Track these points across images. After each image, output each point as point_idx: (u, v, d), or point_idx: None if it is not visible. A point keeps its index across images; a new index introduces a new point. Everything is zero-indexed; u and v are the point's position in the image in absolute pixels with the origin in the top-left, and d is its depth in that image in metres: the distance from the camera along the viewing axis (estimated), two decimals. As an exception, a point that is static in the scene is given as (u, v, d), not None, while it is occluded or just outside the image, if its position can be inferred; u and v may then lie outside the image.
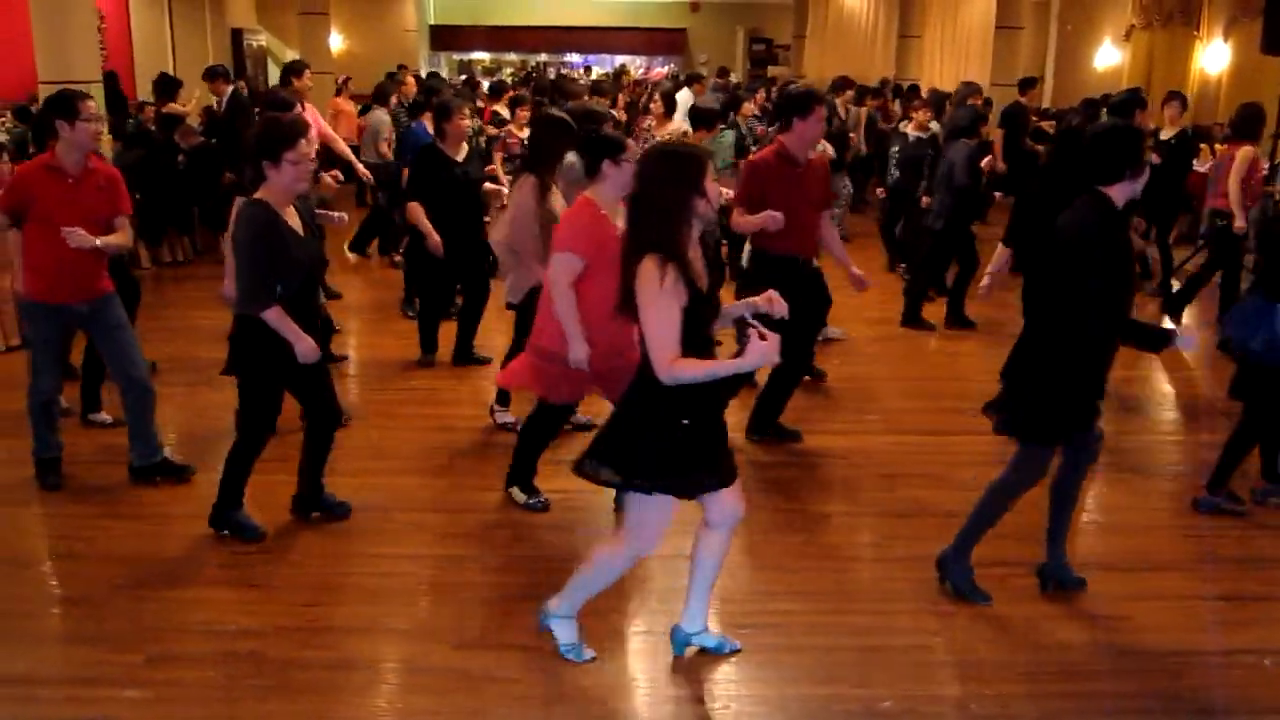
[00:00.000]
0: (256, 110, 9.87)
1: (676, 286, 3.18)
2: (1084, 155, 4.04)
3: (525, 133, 8.36)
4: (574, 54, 30.38)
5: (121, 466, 5.21)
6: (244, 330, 4.36)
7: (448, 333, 7.09)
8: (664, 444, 3.32)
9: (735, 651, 3.83)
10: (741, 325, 3.43)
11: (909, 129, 9.82)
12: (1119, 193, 3.89)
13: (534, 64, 29.64)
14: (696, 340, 3.28)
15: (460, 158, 6.80)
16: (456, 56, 30.27)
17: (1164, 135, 9.57)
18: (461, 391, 6.64)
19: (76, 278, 4.88)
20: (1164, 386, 7.19)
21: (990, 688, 3.65)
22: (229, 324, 4.55)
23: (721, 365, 3.28)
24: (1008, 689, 3.65)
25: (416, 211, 6.65)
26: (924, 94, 12.25)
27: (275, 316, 4.26)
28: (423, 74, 20.48)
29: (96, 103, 4.99)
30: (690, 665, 3.77)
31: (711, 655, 3.82)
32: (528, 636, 3.89)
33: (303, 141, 4.28)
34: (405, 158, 8.40)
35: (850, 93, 12.77)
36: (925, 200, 8.74)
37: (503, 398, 5.96)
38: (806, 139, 5.52)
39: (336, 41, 19.97)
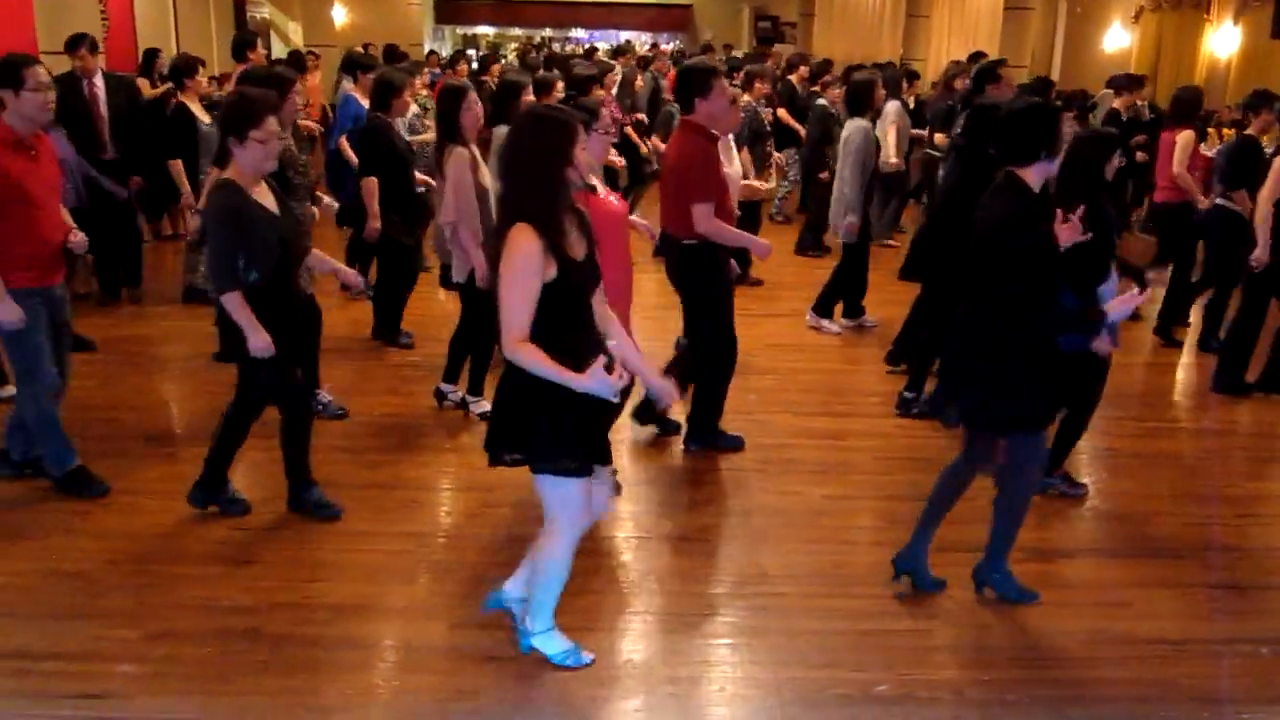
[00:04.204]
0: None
1: (545, 258, 3.10)
2: (998, 135, 3.90)
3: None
4: (579, 30, 30.22)
5: (123, 441, 5.21)
6: (225, 314, 4.23)
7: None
8: (553, 422, 3.23)
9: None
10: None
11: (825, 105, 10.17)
12: (1035, 175, 3.76)
13: (539, 39, 29.49)
14: (568, 314, 3.20)
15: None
16: (460, 30, 30.12)
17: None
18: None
19: (56, 257, 4.65)
20: (1157, 378, 7.18)
21: (987, 673, 3.65)
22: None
23: (560, 371, 3.10)
24: (1003, 674, 3.65)
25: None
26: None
27: (234, 302, 4.11)
28: (426, 48, 20.40)
29: (46, 69, 4.52)
30: (686, 648, 3.78)
31: (703, 636, 3.84)
32: (524, 616, 3.90)
33: (271, 119, 4.11)
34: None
35: (804, 69, 12.61)
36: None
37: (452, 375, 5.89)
38: (715, 117, 5.14)
39: (339, 14, 19.85)
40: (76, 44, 7.63)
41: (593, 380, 3.08)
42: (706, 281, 5.22)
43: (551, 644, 3.60)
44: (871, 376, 6.77)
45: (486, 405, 5.75)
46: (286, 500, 4.63)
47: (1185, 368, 7.37)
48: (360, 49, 12.46)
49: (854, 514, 4.87)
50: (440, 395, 5.93)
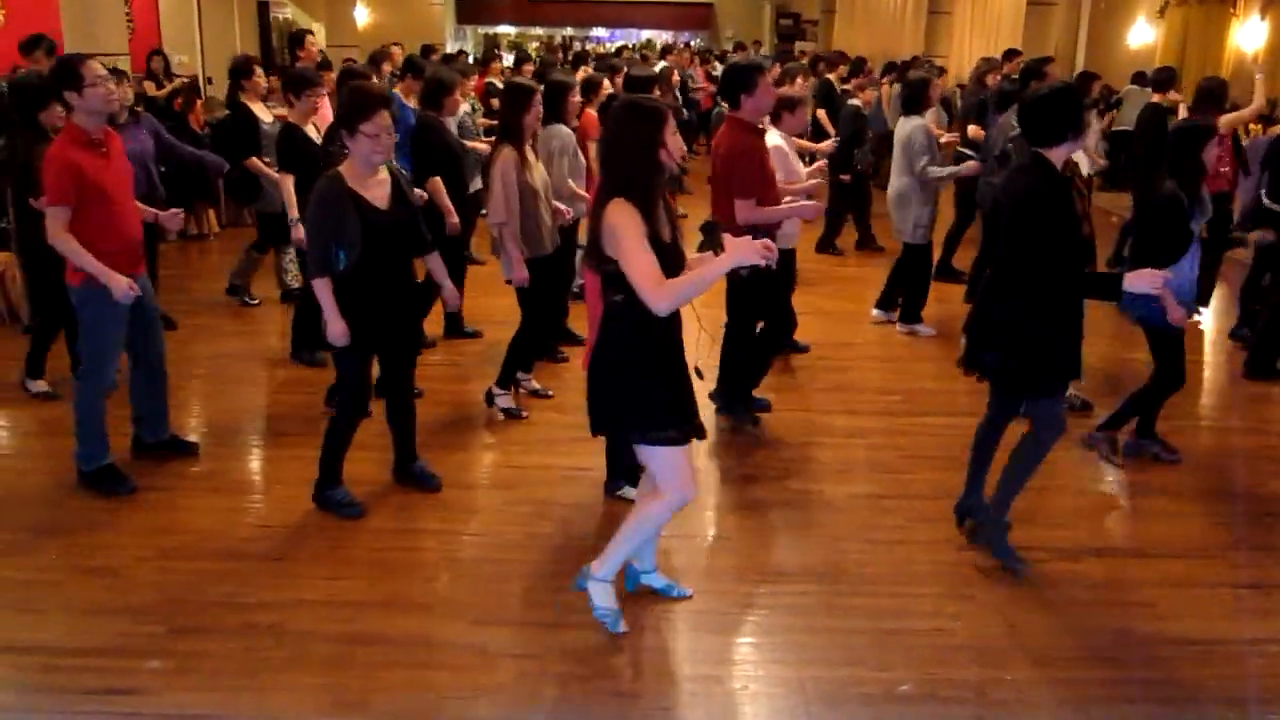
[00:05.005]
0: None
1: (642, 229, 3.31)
2: (1022, 118, 4.11)
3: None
4: (600, 28, 30.24)
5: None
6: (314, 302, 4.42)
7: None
8: (650, 390, 3.45)
9: (685, 597, 4.00)
10: (709, 230, 3.42)
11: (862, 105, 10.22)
12: (1060, 156, 4.00)
13: (560, 38, 29.52)
14: None
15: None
16: (482, 30, 30.18)
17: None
18: (474, 369, 6.63)
19: (136, 250, 4.75)
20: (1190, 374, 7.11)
21: (1010, 672, 3.63)
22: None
23: (705, 272, 3.30)
24: (1027, 674, 3.62)
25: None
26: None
27: (321, 288, 4.28)
28: (449, 48, 20.46)
29: (100, 63, 4.68)
30: (708, 646, 3.77)
31: (726, 634, 3.84)
32: (546, 613, 3.90)
33: (383, 114, 4.23)
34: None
35: (843, 68, 12.54)
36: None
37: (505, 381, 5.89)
38: (761, 112, 5.42)
39: (362, 15, 19.93)
40: (33, 47, 7.15)
41: (740, 248, 3.27)
42: (761, 271, 5.30)
43: (602, 595, 3.74)
44: (893, 374, 6.74)
45: (510, 402, 5.80)
46: (312, 495, 4.67)
47: (1212, 365, 7.29)
48: (394, 46, 12.52)
49: (877, 513, 4.84)
50: (490, 399, 5.91)
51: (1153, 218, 4.99)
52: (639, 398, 3.46)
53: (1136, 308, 5.03)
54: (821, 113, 11.04)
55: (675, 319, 3.47)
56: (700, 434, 3.60)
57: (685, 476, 3.56)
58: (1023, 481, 4.28)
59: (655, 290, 3.25)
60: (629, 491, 4.72)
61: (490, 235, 5.60)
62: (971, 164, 7.44)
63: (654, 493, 3.65)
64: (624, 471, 4.77)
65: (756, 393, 5.84)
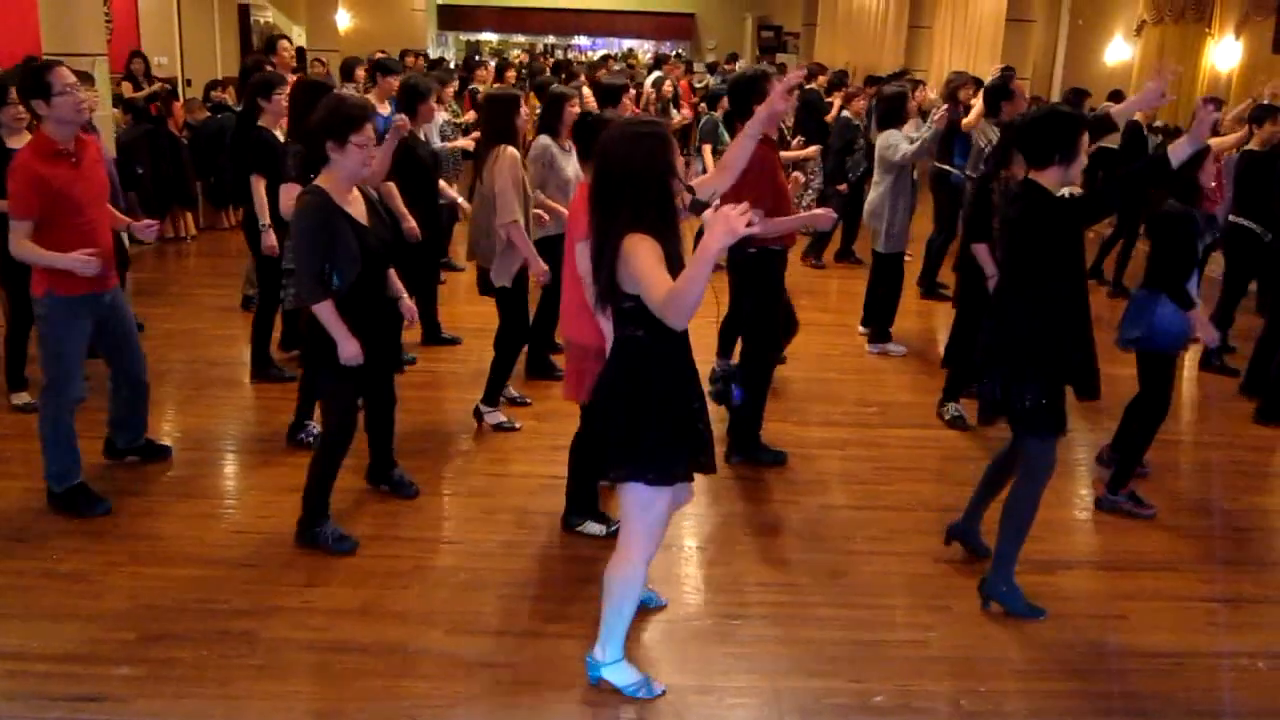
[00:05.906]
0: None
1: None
2: (1018, 140, 4.05)
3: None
4: (582, 37, 30.28)
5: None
6: (312, 323, 4.15)
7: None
8: (664, 432, 3.19)
9: (660, 606, 3.98)
10: (698, 206, 3.17)
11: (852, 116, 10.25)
12: (1052, 179, 3.84)
13: (542, 46, 29.56)
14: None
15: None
16: (464, 37, 30.16)
17: None
18: (451, 376, 6.62)
19: (106, 264, 4.53)
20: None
21: (984, 684, 3.65)
22: (235, 301, 4.29)
23: (697, 267, 2.77)
24: (1001, 685, 3.65)
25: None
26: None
27: (325, 312, 4.05)
28: (430, 54, 20.46)
29: (69, 68, 4.46)
30: (683, 655, 3.77)
31: (701, 644, 3.83)
32: (522, 622, 3.90)
33: (370, 126, 4.07)
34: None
35: (822, 79, 12.58)
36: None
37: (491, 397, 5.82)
38: (775, 118, 5.32)
39: (344, 19, 19.85)
40: None
41: (717, 225, 2.73)
42: (763, 292, 5.30)
43: (622, 675, 3.50)
44: (870, 387, 6.77)
45: (501, 417, 5.76)
46: (296, 535, 4.48)
47: (1186, 381, 7.36)
48: (381, 53, 12.51)
49: (853, 524, 4.86)
50: (479, 415, 5.81)
51: (1161, 234, 4.88)
52: (655, 440, 3.18)
53: (1137, 333, 4.93)
54: (830, 117, 11.11)
55: (688, 350, 3.25)
56: (711, 469, 3.38)
57: (656, 519, 3.31)
58: (1019, 537, 4.03)
59: (662, 297, 2.89)
60: (590, 527, 4.58)
61: (495, 238, 5.50)
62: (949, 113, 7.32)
63: (618, 548, 3.38)
64: (587, 506, 4.61)
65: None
